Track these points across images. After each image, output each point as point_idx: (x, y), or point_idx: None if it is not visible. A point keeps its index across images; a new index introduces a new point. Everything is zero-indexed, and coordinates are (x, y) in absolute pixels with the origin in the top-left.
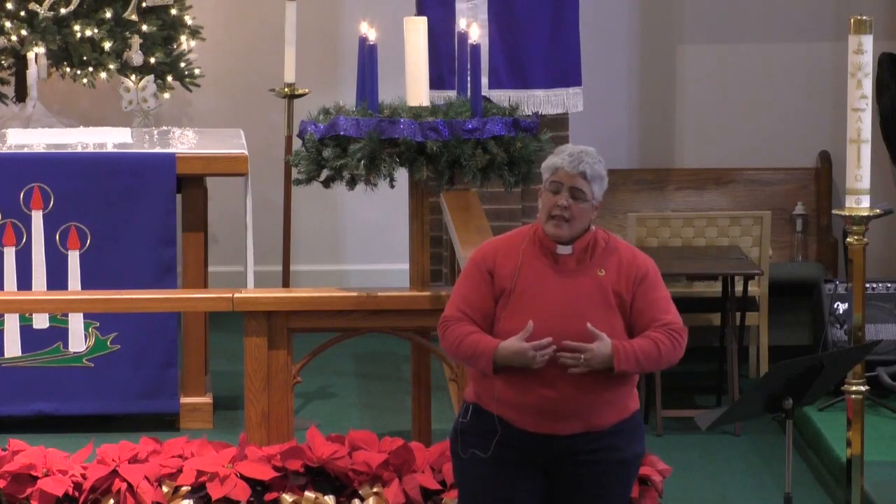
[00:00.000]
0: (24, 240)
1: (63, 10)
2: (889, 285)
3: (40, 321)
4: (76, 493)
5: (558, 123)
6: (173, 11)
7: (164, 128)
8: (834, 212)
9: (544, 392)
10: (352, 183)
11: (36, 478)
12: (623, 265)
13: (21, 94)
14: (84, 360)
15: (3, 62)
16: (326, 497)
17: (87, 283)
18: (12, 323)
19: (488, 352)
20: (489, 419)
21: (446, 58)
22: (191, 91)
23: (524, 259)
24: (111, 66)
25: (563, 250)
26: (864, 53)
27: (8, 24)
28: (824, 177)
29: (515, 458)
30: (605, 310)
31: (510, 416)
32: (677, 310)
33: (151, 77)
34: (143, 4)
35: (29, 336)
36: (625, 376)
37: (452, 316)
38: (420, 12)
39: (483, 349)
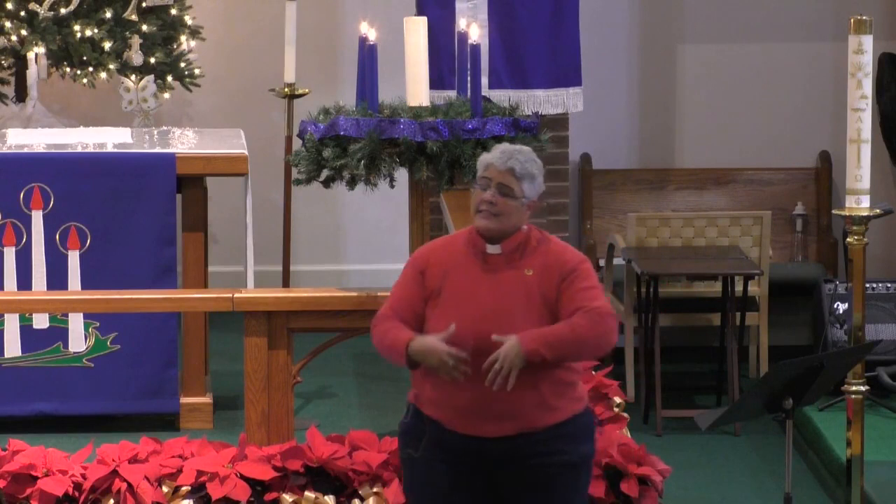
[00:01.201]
0: (24, 240)
1: (63, 10)
2: (889, 285)
3: (40, 321)
4: (76, 493)
5: (558, 123)
6: (173, 11)
7: (164, 128)
8: (834, 212)
9: (468, 393)
10: (352, 183)
11: (36, 478)
12: (549, 264)
13: (21, 94)
14: (84, 360)
15: (3, 62)
16: (326, 497)
17: (87, 283)
18: (12, 323)
19: (403, 342)
20: (424, 420)
21: (446, 58)
22: (191, 91)
23: (456, 260)
24: (111, 66)
25: (493, 250)
26: (864, 53)
27: (8, 24)
28: (824, 177)
29: (451, 460)
30: (531, 310)
31: (441, 418)
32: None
33: (151, 77)
34: (143, 4)
35: (29, 336)
36: (554, 378)
37: (384, 314)
38: (420, 12)
39: (399, 339)
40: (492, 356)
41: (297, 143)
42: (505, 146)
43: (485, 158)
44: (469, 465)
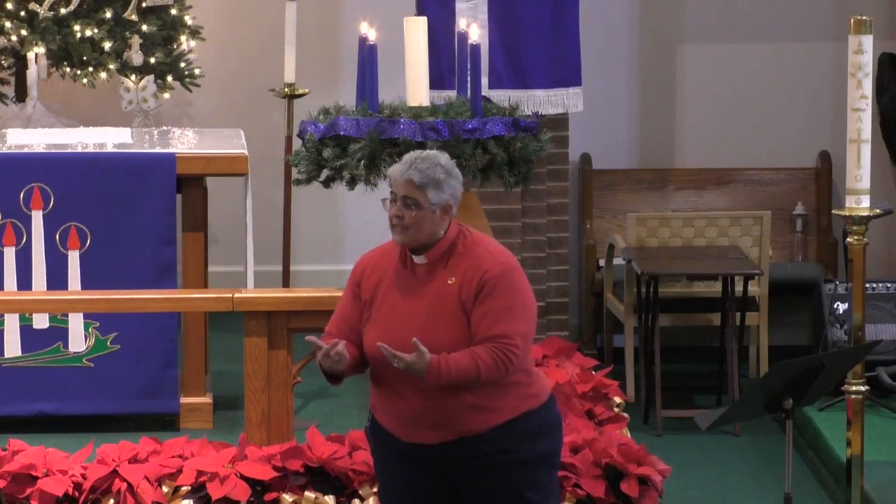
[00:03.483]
0: (24, 240)
1: (63, 10)
2: (889, 285)
3: (40, 321)
4: (76, 493)
5: (558, 123)
6: (173, 11)
7: (164, 128)
8: (834, 212)
9: (400, 403)
10: (352, 183)
11: (36, 478)
12: (469, 271)
13: (21, 94)
14: (84, 360)
15: (3, 62)
16: (326, 497)
17: (87, 283)
18: (12, 323)
19: (319, 364)
20: (377, 426)
21: (446, 58)
22: (191, 91)
23: (389, 270)
24: (111, 66)
25: (419, 260)
26: (864, 53)
27: (8, 24)
28: (824, 177)
29: (405, 462)
30: (451, 320)
31: (387, 424)
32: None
33: (151, 77)
34: (143, 4)
35: (29, 336)
36: (492, 382)
37: (327, 332)
38: (420, 12)
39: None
40: (399, 353)
41: (297, 143)
42: (408, 155)
43: (390, 171)
44: (422, 467)
